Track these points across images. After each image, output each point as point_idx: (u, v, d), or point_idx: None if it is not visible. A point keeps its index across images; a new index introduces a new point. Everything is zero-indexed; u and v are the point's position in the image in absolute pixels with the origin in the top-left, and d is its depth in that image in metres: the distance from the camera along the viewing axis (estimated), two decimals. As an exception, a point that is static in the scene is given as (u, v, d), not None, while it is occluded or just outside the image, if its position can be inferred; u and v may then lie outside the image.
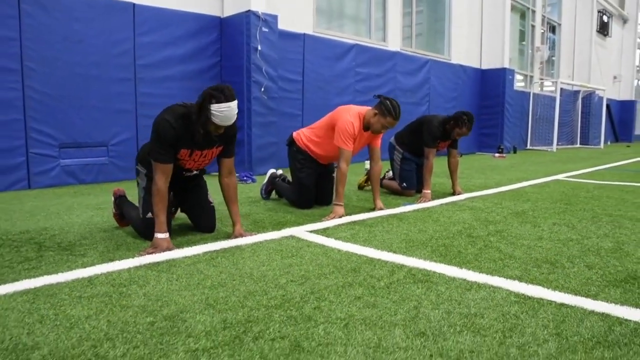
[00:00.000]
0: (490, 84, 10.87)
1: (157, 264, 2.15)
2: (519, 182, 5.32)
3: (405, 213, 3.46)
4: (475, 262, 2.25)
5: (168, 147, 2.32)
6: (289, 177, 3.88)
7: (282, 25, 6.19)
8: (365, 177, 4.63)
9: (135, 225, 2.64)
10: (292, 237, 2.69)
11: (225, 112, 2.20)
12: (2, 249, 2.38)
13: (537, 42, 13.16)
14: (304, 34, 6.74)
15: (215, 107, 2.18)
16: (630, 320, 1.59)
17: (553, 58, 15.00)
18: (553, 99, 12.84)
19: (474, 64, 10.89)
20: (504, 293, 1.83)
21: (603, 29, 17.04)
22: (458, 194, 4.31)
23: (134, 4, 5.04)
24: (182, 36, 5.49)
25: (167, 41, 5.36)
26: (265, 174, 4.12)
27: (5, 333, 1.45)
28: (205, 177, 2.89)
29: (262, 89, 5.72)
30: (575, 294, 1.83)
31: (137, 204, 2.69)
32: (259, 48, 5.63)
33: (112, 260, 2.21)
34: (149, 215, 2.50)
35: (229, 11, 5.81)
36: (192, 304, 1.69)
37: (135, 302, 1.70)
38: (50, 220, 3.07)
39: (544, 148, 12.60)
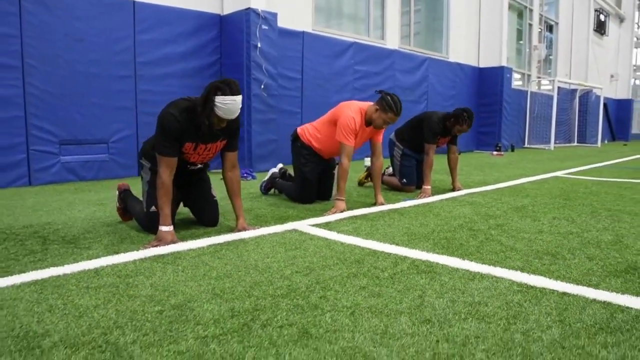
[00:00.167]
0: (488, 82, 10.91)
1: (162, 256, 2.17)
2: (518, 179, 5.35)
3: (406, 208, 3.49)
4: (477, 254, 2.27)
5: (173, 141, 2.33)
6: (290, 172, 3.90)
7: (281, 23, 6.20)
8: (365, 173, 4.65)
9: (139, 218, 2.66)
10: (295, 230, 2.71)
11: (230, 105, 2.22)
12: (7, 243, 2.39)
13: (535, 41, 13.21)
14: (303, 32, 6.76)
15: (220, 100, 2.20)
16: (631, 308, 1.61)
17: (550, 57, 15.05)
18: (550, 97, 12.90)
19: (472, 62, 10.93)
20: (507, 283, 1.85)
21: (600, 28, 17.10)
22: (458, 190, 4.34)
23: (134, 2, 5.05)
24: (182, 34, 5.50)
25: (167, 39, 5.37)
26: (266, 171, 4.15)
27: (15, 322, 1.47)
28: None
29: (262, 87, 5.73)
30: (577, 284, 1.85)
31: (141, 199, 2.70)
32: (259, 45, 5.64)
33: (117, 252, 2.23)
34: (153, 208, 2.52)
35: (228, 9, 5.82)
36: (199, 294, 1.71)
37: (142, 292, 1.72)
38: (52, 216, 3.08)
39: (542, 146, 12.66)
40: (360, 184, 4.70)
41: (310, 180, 3.60)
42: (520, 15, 12.95)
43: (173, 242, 2.34)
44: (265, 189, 4.02)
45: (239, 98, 2.25)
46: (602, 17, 17.25)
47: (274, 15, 5.86)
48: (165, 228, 2.34)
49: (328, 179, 3.75)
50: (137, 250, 2.25)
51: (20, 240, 2.45)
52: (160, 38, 5.30)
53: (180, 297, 1.68)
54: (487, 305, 1.62)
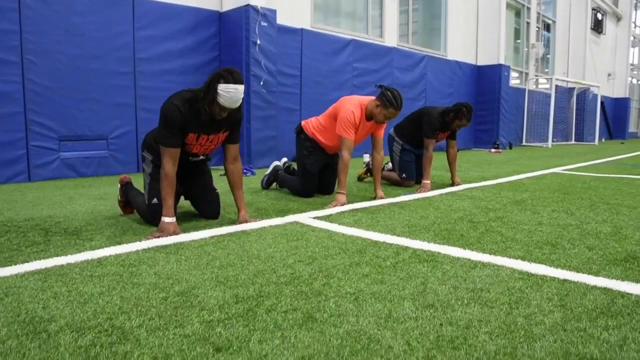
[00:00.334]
0: (486, 80, 10.94)
1: (165, 246, 2.18)
2: (516, 175, 5.37)
3: (406, 201, 3.50)
4: (478, 244, 2.29)
5: (176, 131, 2.34)
6: (295, 167, 3.92)
7: (280, 20, 6.21)
8: (365, 168, 4.67)
9: (141, 211, 2.66)
10: (296, 222, 2.72)
11: (232, 93, 2.23)
12: (9, 235, 2.39)
13: (532, 39, 13.25)
14: (302, 29, 6.77)
15: (222, 87, 2.21)
16: (631, 294, 1.63)
17: (548, 56, 15.10)
18: (548, 95, 12.94)
19: (470, 60, 10.95)
20: (508, 271, 1.87)
21: (597, 27, 17.16)
22: (457, 185, 4.36)
23: (133, -2, 5.06)
24: (182, 30, 5.51)
25: (167, 35, 5.37)
26: (265, 167, 4.16)
27: (20, 307, 1.47)
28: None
29: (261, 83, 5.74)
30: (578, 272, 1.87)
31: (143, 191, 2.71)
32: (258, 42, 5.65)
33: (119, 243, 2.23)
34: (155, 200, 2.53)
35: (228, 5, 5.83)
36: (203, 282, 1.72)
37: (146, 280, 1.73)
38: (53, 209, 3.08)
39: (539, 144, 12.70)
40: (360, 179, 4.71)
41: (311, 173, 3.61)
42: (517, 14, 12.99)
43: (175, 233, 2.35)
44: (267, 183, 4.02)
45: (241, 87, 2.26)
46: (599, 16, 17.31)
47: (273, 12, 5.87)
48: (168, 219, 2.35)
49: (330, 174, 3.76)
50: (140, 241, 2.26)
51: (22, 232, 2.45)
52: (160, 34, 5.31)
53: (184, 284, 1.69)
54: (489, 291, 1.64)
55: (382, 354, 1.19)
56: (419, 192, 3.95)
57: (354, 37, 7.68)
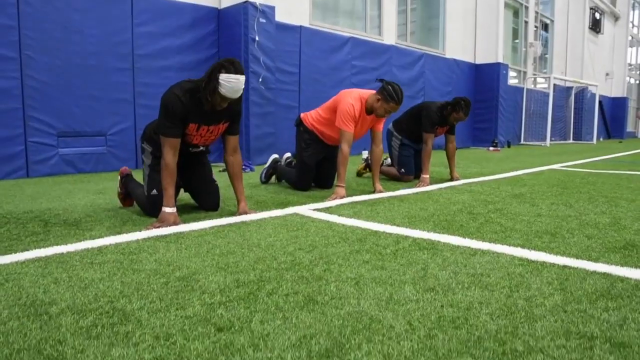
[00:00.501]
0: (484, 79, 10.95)
1: (165, 236, 2.18)
2: (515, 171, 5.38)
3: (406, 195, 3.51)
4: (478, 233, 2.29)
5: (177, 121, 2.34)
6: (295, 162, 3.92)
7: (279, 17, 6.21)
8: (364, 164, 4.67)
9: (141, 202, 2.66)
10: (296, 214, 2.72)
11: (234, 83, 2.23)
12: (8, 225, 2.39)
13: (530, 38, 13.28)
14: (301, 27, 6.77)
15: (224, 77, 2.21)
16: (631, 278, 1.63)
17: (546, 55, 15.13)
18: (546, 94, 12.96)
19: (468, 58, 10.97)
20: (508, 257, 1.87)
21: (595, 26, 17.21)
22: (456, 180, 4.36)
23: (132, -6, 5.05)
24: (180, 27, 5.50)
25: (165, 32, 5.37)
26: (263, 164, 4.16)
27: (21, 292, 1.47)
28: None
29: (260, 80, 5.74)
30: (577, 258, 1.87)
31: (142, 183, 2.71)
32: (257, 39, 5.65)
33: (119, 233, 2.23)
34: (154, 192, 2.53)
35: (226, 2, 5.83)
36: (204, 268, 1.72)
37: (146, 267, 1.73)
38: (53, 203, 3.08)
39: (538, 143, 12.72)
40: (359, 174, 4.71)
41: (308, 165, 3.61)
42: (516, 13, 13.02)
43: (176, 223, 2.35)
44: (266, 176, 4.03)
45: (242, 77, 2.26)
46: (597, 15, 17.36)
47: (272, 8, 5.87)
48: (169, 209, 2.35)
49: (329, 167, 3.76)
50: (140, 231, 2.26)
51: (22, 223, 2.45)
52: (159, 31, 5.30)
53: (185, 270, 1.69)
54: (489, 276, 1.64)
55: (383, 333, 1.19)
56: (418, 186, 3.96)
57: (352, 35, 7.69)
